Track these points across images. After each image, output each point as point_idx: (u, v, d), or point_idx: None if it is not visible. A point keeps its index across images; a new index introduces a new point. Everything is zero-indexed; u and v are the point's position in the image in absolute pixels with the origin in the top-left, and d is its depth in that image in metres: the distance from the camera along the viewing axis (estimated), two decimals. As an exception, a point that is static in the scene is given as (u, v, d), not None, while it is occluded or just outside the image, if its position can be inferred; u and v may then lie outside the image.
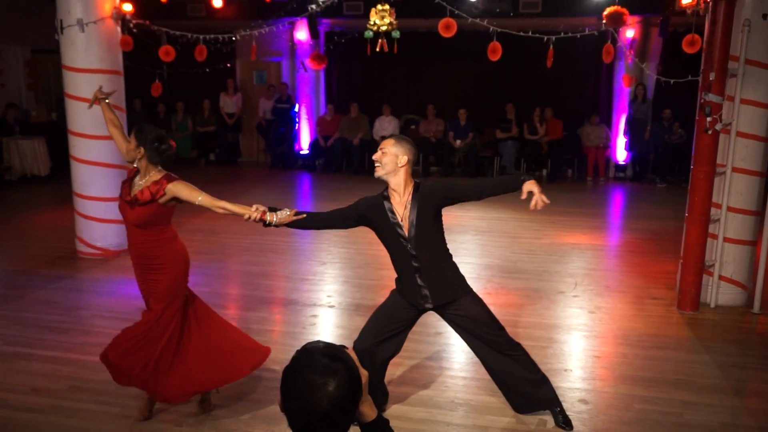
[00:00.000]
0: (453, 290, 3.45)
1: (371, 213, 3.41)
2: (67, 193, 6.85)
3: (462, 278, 3.51)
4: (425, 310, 3.49)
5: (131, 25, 6.58)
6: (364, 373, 1.64)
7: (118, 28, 6.46)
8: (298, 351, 1.60)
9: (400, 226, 3.33)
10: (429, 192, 3.35)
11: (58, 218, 7.96)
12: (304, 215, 3.45)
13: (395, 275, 3.49)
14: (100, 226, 6.57)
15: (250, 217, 3.41)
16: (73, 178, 6.60)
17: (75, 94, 6.31)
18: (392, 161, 3.32)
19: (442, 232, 3.46)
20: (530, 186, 3.24)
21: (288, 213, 3.41)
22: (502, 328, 3.54)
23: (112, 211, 6.54)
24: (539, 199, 3.21)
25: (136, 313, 5.13)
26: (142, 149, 3.51)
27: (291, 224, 3.47)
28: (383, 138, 3.56)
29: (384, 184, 3.40)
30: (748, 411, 3.84)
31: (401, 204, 3.35)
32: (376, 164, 3.36)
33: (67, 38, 6.21)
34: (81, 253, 6.67)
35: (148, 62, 7.82)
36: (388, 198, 3.38)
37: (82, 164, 6.47)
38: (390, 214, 3.35)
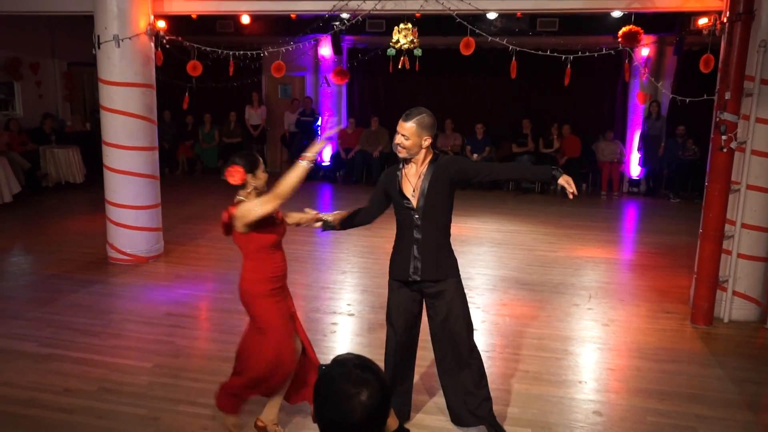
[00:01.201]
0: (443, 270, 3.45)
1: (387, 184, 3.47)
2: (100, 201, 7.08)
3: (455, 262, 3.52)
4: (412, 283, 3.50)
5: (164, 41, 6.83)
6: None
7: (152, 44, 6.72)
8: (330, 362, 1.69)
9: (411, 195, 3.37)
10: (445, 164, 3.37)
11: (91, 224, 8.21)
12: (352, 211, 3.60)
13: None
14: (130, 233, 6.81)
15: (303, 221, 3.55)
16: (106, 186, 6.84)
17: (110, 106, 6.57)
18: (416, 144, 3.33)
19: (451, 211, 3.47)
20: (564, 180, 3.31)
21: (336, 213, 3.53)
22: (472, 330, 3.57)
23: (142, 218, 6.81)
24: (571, 192, 3.30)
25: (164, 318, 5.37)
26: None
27: (344, 222, 3.60)
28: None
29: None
30: (763, 426, 3.88)
31: (416, 174, 3.37)
32: (396, 147, 3.37)
33: (104, 53, 6.48)
34: (112, 259, 6.90)
35: (179, 76, 8.09)
36: (401, 169, 3.44)
37: (114, 173, 6.71)
38: (402, 183, 3.39)
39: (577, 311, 5.72)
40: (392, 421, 1.77)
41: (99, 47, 6.49)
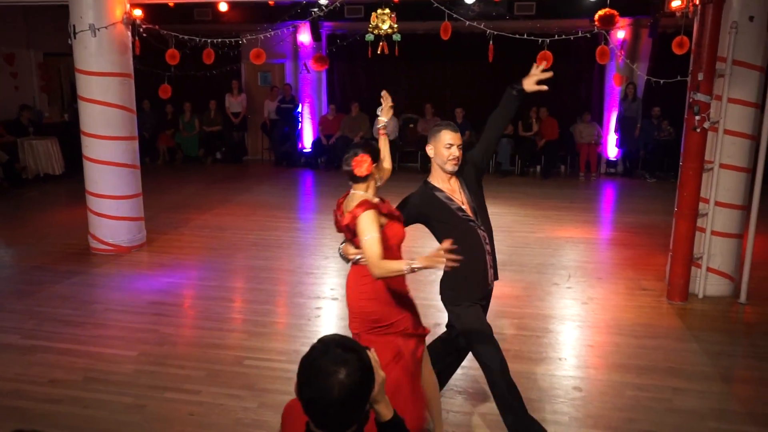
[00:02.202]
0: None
1: (426, 209, 3.28)
2: (81, 192, 7.05)
3: None
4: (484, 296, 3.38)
5: (141, 30, 6.78)
6: (381, 375, 1.75)
7: (129, 33, 6.66)
8: (315, 342, 1.73)
9: (464, 210, 3.26)
10: (465, 168, 3.31)
11: (72, 216, 8.16)
12: None
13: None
14: (111, 223, 6.79)
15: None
16: (86, 176, 6.81)
17: (87, 96, 6.52)
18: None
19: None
20: (528, 82, 3.28)
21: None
22: None
23: (123, 208, 6.80)
24: (540, 75, 3.26)
25: (148, 307, 5.40)
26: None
27: None
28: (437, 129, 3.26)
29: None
30: (736, 397, 4.01)
31: (453, 190, 3.28)
32: (456, 160, 3.22)
33: (80, 43, 6.42)
34: (94, 250, 6.88)
35: (157, 65, 8.03)
36: (437, 188, 3.28)
37: (94, 164, 6.68)
38: (450, 202, 3.26)
39: (557, 290, 5.83)
40: (386, 411, 1.78)
41: (75, 37, 6.42)
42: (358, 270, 3.05)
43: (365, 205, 2.86)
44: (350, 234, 2.97)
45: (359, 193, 2.96)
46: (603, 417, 3.76)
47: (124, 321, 5.15)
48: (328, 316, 5.30)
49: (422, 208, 3.29)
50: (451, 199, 3.26)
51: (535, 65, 3.32)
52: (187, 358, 4.48)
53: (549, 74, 3.28)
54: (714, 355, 4.55)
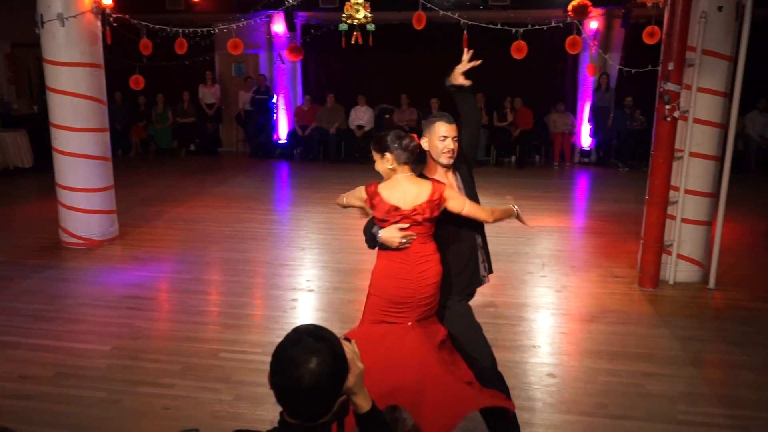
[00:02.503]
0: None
1: None
2: (51, 185, 6.92)
3: None
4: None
5: (111, 19, 6.65)
6: (359, 366, 1.76)
7: (98, 22, 6.53)
8: (289, 331, 1.74)
9: None
10: (458, 162, 3.26)
11: (43, 209, 8.01)
12: None
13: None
14: (83, 216, 6.68)
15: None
16: (56, 169, 6.68)
17: (56, 87, 6.39)
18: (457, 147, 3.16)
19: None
20: (455, 75, 3.24)
21: None
22: None
23: (95, 201, 6.70)
24: (466, 66, 3.23)
25: (121, 301, 5.33)
26: (387, 154, 3.06)
27: None
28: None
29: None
30: (705, 380, 4.10)
31: (450, 184, 3.21)
32: (450, 153, 3.14)
33: (48, 32, 6.28)
34: (65, 243, 6.77)
35: (128, 55, 7.90)
36: (441, 179, 3.21)
37: (64, 156, 6.56)
38: None
39: (531, 279, 5.89)
40: (364, 403, 1.79)
41: (43, 26, 6.28)
42: (396, 255, 3.04)
43: (437, 182, 3.08)
44: (423, 214, 2.98)
45: (406, 174, 3.07)
46: (576, 402, 3.81)
47: (97, 315, 5.08)
48: (304, 307, 5.29)
49: None
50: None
51: (465, 51, 3.27)
52: (162, 351, 4.44)
53: (477, 62, 3.25)
54: (684, 340, 4.65)
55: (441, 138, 3.13)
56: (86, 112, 6.48)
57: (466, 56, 3.25)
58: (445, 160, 3.15)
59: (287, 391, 1.63)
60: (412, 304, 3.02)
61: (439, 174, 3.20)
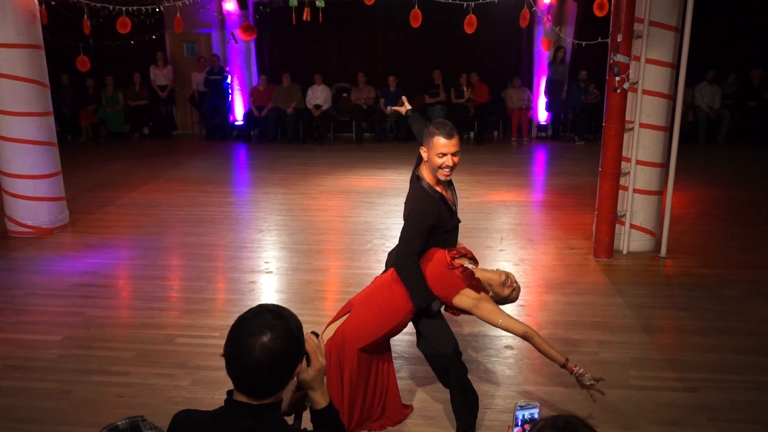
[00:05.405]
0: None
1: (438, 218, 3.07)
2: (-7, 173, 6.65)
3: None
4: None
5: (48, -3, 6.38)
6: (320, 361, 1.77)
7: (36, 1, 6.25)
8: (254, 306, 1.74)
9: (455, 213, 3.19)
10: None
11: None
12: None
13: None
14: (29, 204, 6.45)
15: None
16: (-2, 156, 6.44)
17: (-7, 70, 6.12)
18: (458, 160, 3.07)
19: None
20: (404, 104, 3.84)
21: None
22: None
23: (42, 188, 6.48)
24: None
25: (73, 289, 5.19)
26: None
27: None
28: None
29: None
30: (656, 346, 4.22)
31: (444, 189, 3.15)
32: (448, 170, 3.03)
33: (-19, 12, 5.99)
34: (12, 233, 6.53)
35: (71, 35, 7.59)
36: (439, 193, 3.12)
37: (7, 142, 6.29)
38: (449, 208, 3.15)
39: (490, 253, 5.94)
40: (321, 399, 1.80)
41: (-25, 6, 5.98)
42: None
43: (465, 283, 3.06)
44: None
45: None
46: (533, 373, 3.89)
47: (47, 305, 4.93)
48: (263, 289, 5.24)
49: (433, 220, 3.04)
50: (446, 202, 3.12)
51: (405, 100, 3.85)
52: (116, 339, 4.35)
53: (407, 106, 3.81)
54: (636, 308, 4.77)
55: (439, 155, 2.99)
56: (28, 96, 6.22)
57: (406, 104, 3.80)
58: (442, 177, 3.05)
59: (236, 359, 1.63)
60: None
61: (435, 182, 3.10)
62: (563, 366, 2.97)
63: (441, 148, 2.98)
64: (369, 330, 3.08)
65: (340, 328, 3.13)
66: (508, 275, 3.10)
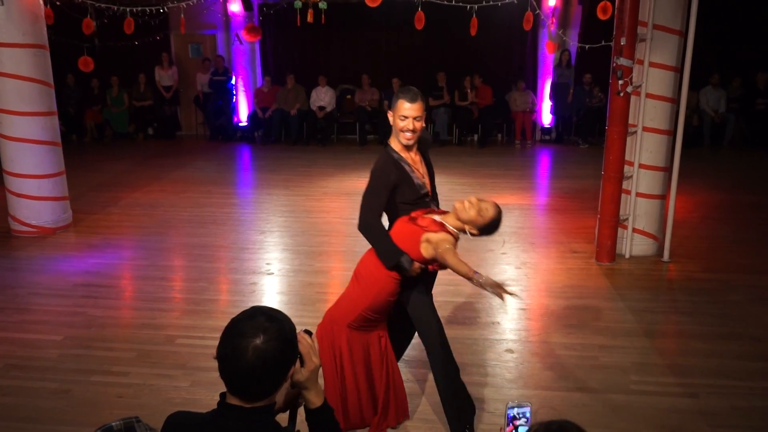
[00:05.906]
0: None
1: (398, 178, 3.07)
2: (-3, 172, 6.69)
3: None
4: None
5: (53, -2, 6.41)
6: (314, 361, 1.77)
7: (41, 1, 6.28)
8: (248, 308, 1.74)
9: (423, 186, 3.15)
10: (424, 142, 3.20)
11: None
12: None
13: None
14: (33, 203, 6.47)
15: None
16: (2, 155, 6.44)
17: (-1, 70, 6.15)
18: (422, 126, 3.08)
19: None
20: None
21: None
22: None
23: (45, 187, 6.50)
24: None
25: (75, 289, 5.20)
26: None
27: None
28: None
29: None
30: (657, 350, 4.20)
31: (415, 161, 3.13)
32: (409, 134, 3.04)
33: (-13, 13, 6.01)
34: (15, 232, 6.54)
35: (75, 36, 7.62)
36: (403, 158, 3.10)
37: (11, 141, 6.32)
38: (414, 175, 3.11)
39: (492, 256, 5.93)
40: (316, 399, 1.81)
41: (-19, 6, 6.01)
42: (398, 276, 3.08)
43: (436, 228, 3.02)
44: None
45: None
46: (533, 377, 3.88)
47: (49, 305, 4.95)
48: (264, 291, 5.24)
49: (392, 180, 3.05)
50: (414, 172, 3.10)
51: None
52: (116, 339, 4.36)
53: None
54: (638, 312, 4.75)
55: (401, 117, 3.03)
56: (32, 96, 6.25)
57: None
58: (404, 141, 3.08)
59: (228, 361, 1.63)
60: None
61: (403, 148, 3.13)
62: (470, 279, 2.90)
63: (403, 111, 3.02)
64: (352, 303, 3.10)
65: (327, 313, 3.18)
66: (465, 199, 3.01)
